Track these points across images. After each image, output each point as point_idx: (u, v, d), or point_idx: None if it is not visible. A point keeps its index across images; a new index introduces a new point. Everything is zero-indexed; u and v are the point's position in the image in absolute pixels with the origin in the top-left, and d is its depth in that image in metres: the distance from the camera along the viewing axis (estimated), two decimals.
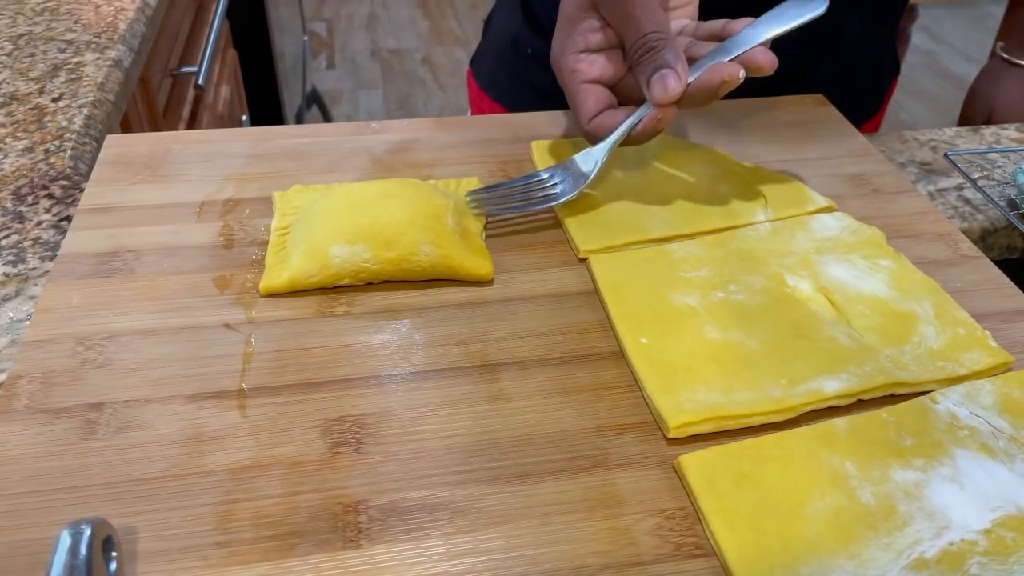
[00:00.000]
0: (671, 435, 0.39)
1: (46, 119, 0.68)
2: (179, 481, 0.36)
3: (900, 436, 0.39)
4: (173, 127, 1.12)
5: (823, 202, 0.54)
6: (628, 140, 0.50)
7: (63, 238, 0.51)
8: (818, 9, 0.50)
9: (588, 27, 0.52)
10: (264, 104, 1.85)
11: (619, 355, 0.44)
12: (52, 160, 0.62)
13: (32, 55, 0.79)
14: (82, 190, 0.58)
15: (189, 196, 0.54)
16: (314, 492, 0.36)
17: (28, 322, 0.46)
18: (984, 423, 0.39)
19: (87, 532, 0.30)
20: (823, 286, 0.47)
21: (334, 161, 0.58)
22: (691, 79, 0.48)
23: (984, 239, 0.59)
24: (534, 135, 0.61)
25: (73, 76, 0.75)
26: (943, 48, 3.16)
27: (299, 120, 2.15)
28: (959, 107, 0.87)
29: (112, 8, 0.90)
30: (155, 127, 1.02)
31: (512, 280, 0.48)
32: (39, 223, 0.55)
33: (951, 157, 0.62)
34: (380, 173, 0.57)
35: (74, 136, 0.66)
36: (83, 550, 0.30)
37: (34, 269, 0.51)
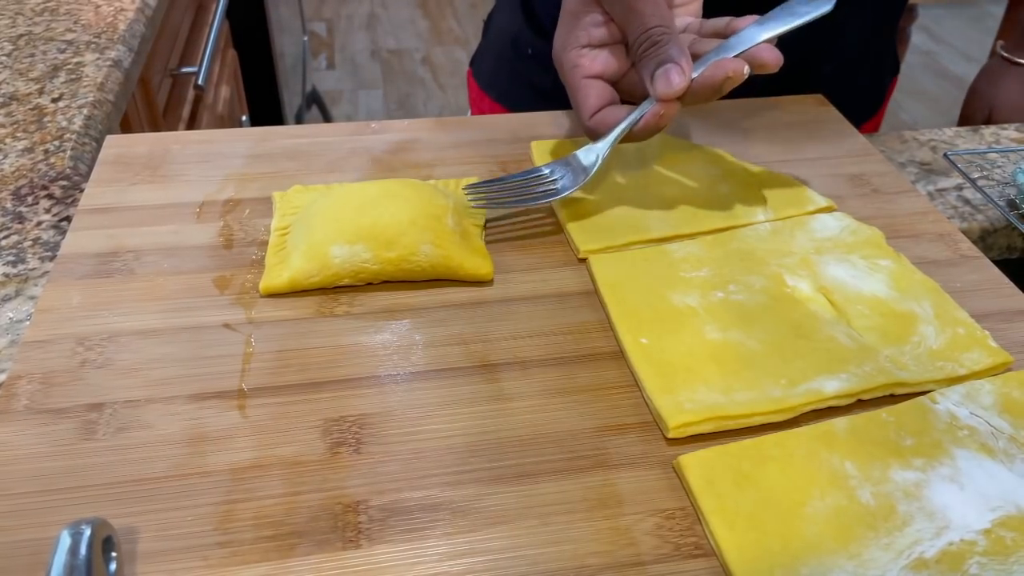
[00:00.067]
0: (671, 435, 0.39)
1: (46, 119, 0.68)
2: (179, 481, 0.36)
3: (900, 436, 0.39)
4: (173, 127, 1.12)
5: (823, 202, 0.54)
6: (630, 136, 0.50)
7: (63, 238, 0.51)
8: (824, 7, 0.49)
9: (591, 22, 0.51)
10: (264, 104, 1.85)
11: (619, 355, 0.44)
12: (52, 160, 0.62)
13: (32, 55, 0.79)
14: (82, 190, 0.58)
15: (189, 196, 0.54)
16: (314, 492, 0.36)
17: (28, 322, 0.46)
18: (984, 423, 0.39)
19: (87, 532, 0.31)
20: (823, 286, 0.47)
21: (334, 161, 0.58)
22: (695, 75, 0.47)
23: (984, 239, 0.59)
24: (534, 135, 0.61)
25: (73, 76, 0.75)
26: (943, 48, 3.16)
27: (299, 120, 2.15)
28: (959, 107, 0.87)
29: (112, 8, 0.90)
30: (155, 127, 1.02)
31: (512, 280, 0.48)
32: (39, 223, 0.55)
33: (951, 157, 0.62)
34: (380, 173, 0.57)
35: (74, 136, 0.66)
36: (83, 550, 0.30)
37: (34, 269, 0.51)
